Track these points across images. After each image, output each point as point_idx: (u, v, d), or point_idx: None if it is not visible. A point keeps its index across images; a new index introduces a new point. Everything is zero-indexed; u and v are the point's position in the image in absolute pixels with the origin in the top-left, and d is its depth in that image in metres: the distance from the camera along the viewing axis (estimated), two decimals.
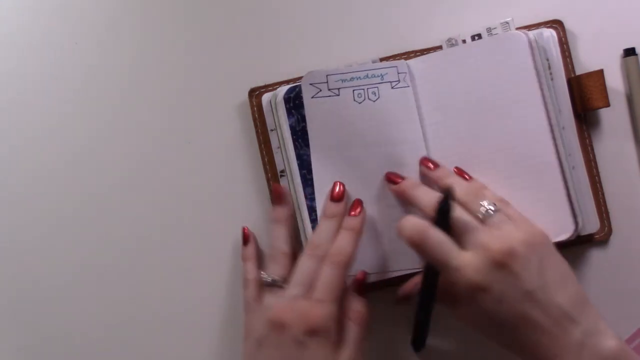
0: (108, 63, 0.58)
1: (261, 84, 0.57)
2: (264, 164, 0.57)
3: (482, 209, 0.49)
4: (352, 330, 0.50)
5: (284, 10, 0.58)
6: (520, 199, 0.52)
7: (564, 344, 0.45)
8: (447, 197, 0.48)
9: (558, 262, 0.48)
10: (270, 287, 0.52)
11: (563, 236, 0.52)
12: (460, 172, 0.53)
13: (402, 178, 0.54)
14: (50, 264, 0.58)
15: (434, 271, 0.48)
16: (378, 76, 0.54)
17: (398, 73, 0.54)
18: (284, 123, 0.55)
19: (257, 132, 0.57)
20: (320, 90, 0.54)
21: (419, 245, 0.47)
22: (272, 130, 0.56)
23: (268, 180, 0.57)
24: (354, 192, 0.54)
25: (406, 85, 0.54)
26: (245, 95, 0.57)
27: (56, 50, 0.58)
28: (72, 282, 0.58)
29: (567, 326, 0.45)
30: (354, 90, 0.54)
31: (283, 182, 0.56)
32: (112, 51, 0.58)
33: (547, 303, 0.46)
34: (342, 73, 0.54)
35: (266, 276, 0.52)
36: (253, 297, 0.52)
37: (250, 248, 0.55)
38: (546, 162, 0.52)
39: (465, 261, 0.46)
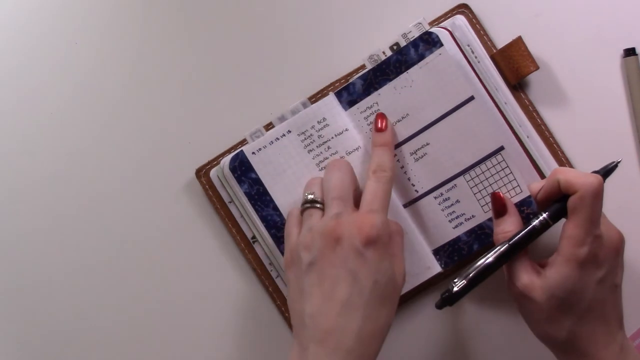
0: (106, 65, 0.59)
1: (204, 161, 0.57)
2: (234, 236, 0.57)
3: None
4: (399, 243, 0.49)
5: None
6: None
7: (611, 341, 0.48)
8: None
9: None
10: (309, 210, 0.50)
11: None
12: None
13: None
14: (52, 261, 0.59)
15: (545, 226, 0.48)
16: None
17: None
18: (239, 192, 0.54)
19: (216, 208, 0.57)
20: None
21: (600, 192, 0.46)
22: (229, 202, 0.56)
23: (242, 250, 0.57)
24: None
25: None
26: (190, 173, 0.57)
27: (56, 50, 0.59)
28: (71, 279, 0.59)
29: (618, 329, 0.48)
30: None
31: (257, 247, 0.56)
32: (110, 55, 0.59)
33: (618, 302, 0.49)
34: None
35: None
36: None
37: None
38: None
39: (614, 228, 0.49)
